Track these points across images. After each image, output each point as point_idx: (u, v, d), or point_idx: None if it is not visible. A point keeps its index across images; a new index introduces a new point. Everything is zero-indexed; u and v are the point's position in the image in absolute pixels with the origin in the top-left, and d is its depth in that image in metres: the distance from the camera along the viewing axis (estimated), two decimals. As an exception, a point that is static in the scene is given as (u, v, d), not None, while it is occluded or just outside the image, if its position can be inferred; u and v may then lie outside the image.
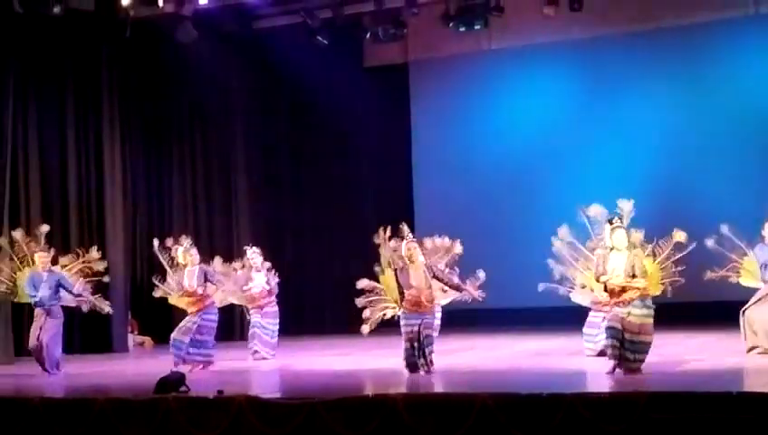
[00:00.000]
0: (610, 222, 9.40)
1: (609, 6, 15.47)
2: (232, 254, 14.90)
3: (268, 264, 13.27)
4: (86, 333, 14.70)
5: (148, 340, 16.03)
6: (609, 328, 9.28)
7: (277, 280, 13.20)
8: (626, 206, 9.54)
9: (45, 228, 12.29)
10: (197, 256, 11.79)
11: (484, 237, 16.36)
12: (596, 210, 10.18)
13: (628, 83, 17.29)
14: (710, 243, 10.77)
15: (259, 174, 18.28)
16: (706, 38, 16.68)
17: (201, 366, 11.40)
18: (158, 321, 15.66)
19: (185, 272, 11.61)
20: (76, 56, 15.39)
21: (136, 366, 13.01)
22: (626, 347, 9.12)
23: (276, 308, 13.16)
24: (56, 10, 14.05)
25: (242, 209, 17.80)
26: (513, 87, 18.20)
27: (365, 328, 10.72)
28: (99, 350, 14.66)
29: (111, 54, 15.55)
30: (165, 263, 12.02)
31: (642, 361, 9.22)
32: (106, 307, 12.47)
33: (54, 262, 12.05)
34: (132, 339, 15.72)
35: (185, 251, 11.70)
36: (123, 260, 15.41)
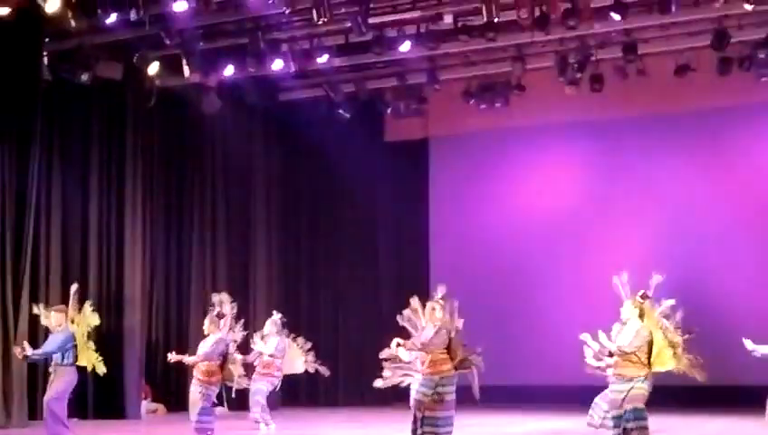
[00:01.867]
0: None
1: (628, 88, 15.59)
2: (248, 320, 14.84)
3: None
4: (99, 399, 14.69)
5: (161, 407, 15.95)
6: (614, 417, 9.24)
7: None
8: (654, 279, 9.45)
9: (75, 287, 12.04)
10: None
11: (500, 312, 16.34)
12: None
13: (646, 164, 17.33)
14: None
15: (278, 242, 18.36)
16: (726, 122, 16.74)
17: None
18: (172, 388, 15.65)
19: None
20: (102, 122, 15.59)
21: (149, 434, 12.94)
22: (625, 418, 9.05)
23: (277, 376, 12.98)
24: (84, 78, 14.27)
25: (259, 277, 17.80)
26: (531, 164, 18.28)
27: (379, 382, 10.73)
28: (112, 416, 14.61)
29: (137, 121, 15.72)
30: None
31: (647, 428, 9.10)
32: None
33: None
34: (145, 406, 15.68)
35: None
36: (140, 326, 15.42)
